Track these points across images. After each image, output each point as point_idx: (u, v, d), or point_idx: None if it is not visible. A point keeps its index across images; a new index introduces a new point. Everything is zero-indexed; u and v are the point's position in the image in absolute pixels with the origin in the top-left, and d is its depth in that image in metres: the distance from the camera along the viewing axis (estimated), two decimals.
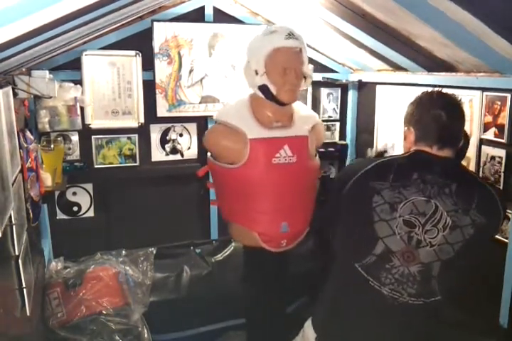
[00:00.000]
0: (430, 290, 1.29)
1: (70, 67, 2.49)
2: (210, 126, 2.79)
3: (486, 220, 1.29)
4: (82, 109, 2.51)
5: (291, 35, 1.73)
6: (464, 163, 2.11)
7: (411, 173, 1.32)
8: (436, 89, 1.45)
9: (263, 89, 1.77)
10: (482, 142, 2.03)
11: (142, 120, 2.64)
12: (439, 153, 1.36)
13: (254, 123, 1.82)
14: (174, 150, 2.82)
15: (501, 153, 1.93)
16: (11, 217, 1.45)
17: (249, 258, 2.06)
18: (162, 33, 2.58)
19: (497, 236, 1.94)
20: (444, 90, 1.44)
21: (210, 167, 1.98)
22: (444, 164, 1.34)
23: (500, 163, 1.94)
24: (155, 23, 2.55)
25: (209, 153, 1.97)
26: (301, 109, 1.98)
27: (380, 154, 1.81)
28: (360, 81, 2.94)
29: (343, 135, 3.16)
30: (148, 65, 2.59)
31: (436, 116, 1.35)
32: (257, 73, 1.75)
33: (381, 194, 1.30)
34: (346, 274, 1.37)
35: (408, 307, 1.28)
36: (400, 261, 1.27)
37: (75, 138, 2.58)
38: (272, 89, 1.75)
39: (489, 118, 1.98)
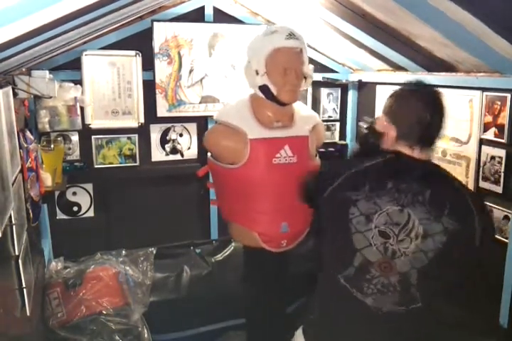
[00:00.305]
0: (411, 298, 1.28)
1: (70, 67, 2.49)
2: (210, 126, 2.79)
3: (459, 226, 1.26)
4: (82, 109, 2.51)
5: (291, 35, 1.73)
6: (464, 163, 2.12)
7: (386, 182, 1.28)
8: (415, 80, 1.41)
9: (263, 89, 1.77)
10: (482, 142, 2.03)
11: (142, 120, 2.64)
12: (420, 156, 1.32)
13: (254, 124, 1.82)
14: (174, 150, 2.82)
15: (501, 153, 1.93)
16: (11, 217, 1.45)
17: (249, 258, 2.06)
18: (162, 33, 2.58)
19: (497, 236, 1.94)
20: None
21: (210, 167, 1.98)
22: (423, 168, 1.31)
23: (500, 163, 1.94)
24: (155, 23, 2.55)
25: (209, 153, 1.97)
26: (302, 109, 1.98)
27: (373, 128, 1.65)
28: (360, 81, 2.94)
29: (343, 135, 3.16)
30: (148, 65, 2.59)
31: (421, 117, 1.30)
32: (257, 73, 1.75)
33: (357, 205, 1.28)
34: (331, 284, 1.36)
35: (392, 315, 1.28)
36: (378, 271, 1.26)
37: (75, 138, 2.59)
38: (273, 89, 1.75)
39: (489, 118, 1.98)
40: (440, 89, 1.37)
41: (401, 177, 1.28)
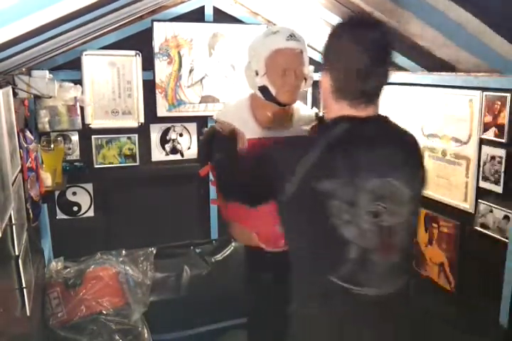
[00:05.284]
0: (406, 268, 1.21)
1: (70, 67, 2.49)
2: (210, 125, 2.80)
3: (423, 171, 1.22)
4: (82, 108, 2.50)
5: (292, 36, 1.73)
6: (464, 163, 2.12)
7: (356, 156, 1.11)
8: (356, 15, 1.24)
9: (263, 90, 1.78)
10: (482, 142, 2.03)
11: (142, 120, 2.64)
12: (368, 113, 1.15)
13: (252, 124, 1.83)
14: (174, 150, 2.82)
15: (501, 153, 1.93)
16: (11, 217, 1.45)
17: (250, 258, 2.06)
18: (162, 32, 2.58)
19: (497, 236, 1.94)
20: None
21: (210, 166, 1.99)
22: (379, 129, 1.16)
23: (500, 163, 1.94)
24: (155, 23, 2.55)
25: None
26: (302, 109, 1.99)
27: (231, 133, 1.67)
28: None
29: None
30: (148, 65, 2.59)
31: (358, 63, 1.09)
32: (257, 74, 1.76)
33: (334, 195, 1.09)
34: (319, 294, 1.19)
35: (397, 293, 1.19)
36: (379, 256, 1.14)
37: (75, 138, 2.58)
38: (272, 90, 1.75)
39: (489, 118, 1.98)
40: (386, 26, 1.18)
41: (367, 147, 1.13)
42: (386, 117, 1.23)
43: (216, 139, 1.71)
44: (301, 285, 1.26)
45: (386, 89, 1.18)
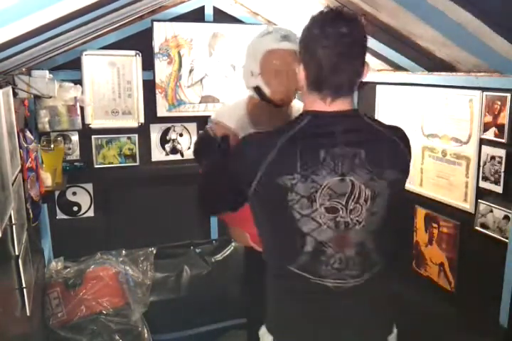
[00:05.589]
0: (372, 263, 1.23)
1: (70, 67, 2.49)
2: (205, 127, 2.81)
3: (400, 175, 1.22)
4: (82, 108, 2.51)
5: (286, 37, 1.73)
6: (464, 163, 2.12)
7: (317, 152, 1.14)
8: (331, 8, 1.23)
9: (257, 90, 1.79)
10: (482, 142, 2.03)
11: (142, 120, 2.64)
12: (338, 107, 1.18)
13: (247, 125, 1.83)
14: (174, 150, 2.83)
15: (501, 153, 1.93)
16: (11, 217, 1.45)
17: (249, 258, 2.06)
18: (162, 32, 2.58)
19: (497, 236, 1.94)
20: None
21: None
22: (343, 125, 1.17)
23: (500, 163, 1.94)
24: (155, 23, 2.55)
25: None
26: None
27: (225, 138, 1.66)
28: (360, 81, 2.93)
29: None
30: (148, 65, 2.60)
31: (326, 58, 1.12)
32: (252, 74, 1.77)
33: (294, 190, 1.13)
34: (283, 279, 1.25)
35: (357, 287, 1.21)
36: (334, 249, 1.18)
37: (75, 138, 2.59)
38: (266, 90, 1.76)
39: (489, 118, 1.98)
40: (359, 21, 1.18)
41: (330, 141, 1.15)
42: (359, 113, 1.24)
43: (205, 143, 1.72)
44: (268, 273, 1.32)
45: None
